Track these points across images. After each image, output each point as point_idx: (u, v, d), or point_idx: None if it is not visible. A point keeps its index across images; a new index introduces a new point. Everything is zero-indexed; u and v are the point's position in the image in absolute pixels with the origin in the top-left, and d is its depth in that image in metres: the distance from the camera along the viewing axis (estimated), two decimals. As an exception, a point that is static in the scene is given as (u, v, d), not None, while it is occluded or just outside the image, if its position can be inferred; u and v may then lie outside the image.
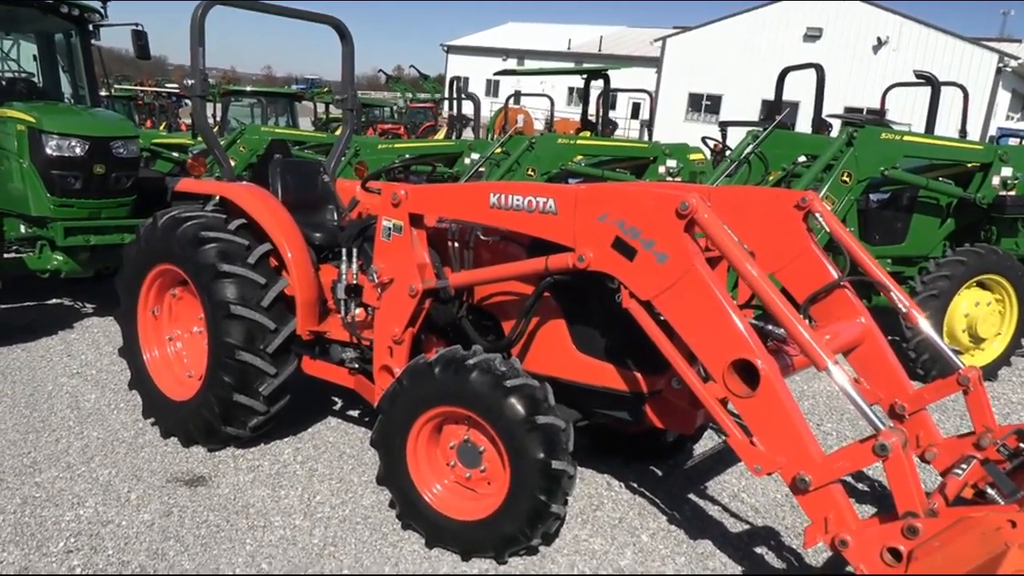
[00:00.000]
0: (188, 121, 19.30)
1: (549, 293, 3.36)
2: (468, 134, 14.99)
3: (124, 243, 5.96)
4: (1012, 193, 6.48)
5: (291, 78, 73.09)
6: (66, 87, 6.95)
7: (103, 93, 7.60)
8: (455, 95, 14.97)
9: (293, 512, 3.66)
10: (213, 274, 3.93)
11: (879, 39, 33.55)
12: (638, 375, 3.32)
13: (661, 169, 9.61)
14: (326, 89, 40.96)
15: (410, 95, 33.94)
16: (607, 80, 11.90)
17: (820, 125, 8.73)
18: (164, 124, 19.53)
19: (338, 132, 17.88)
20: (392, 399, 3.38)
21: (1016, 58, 31.88)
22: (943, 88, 8.13)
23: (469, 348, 3.31)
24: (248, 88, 19.13)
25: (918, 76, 8.23)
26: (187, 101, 21.75)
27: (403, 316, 3.63)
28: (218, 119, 16.34)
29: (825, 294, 3.46)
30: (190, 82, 4.30)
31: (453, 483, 3.40)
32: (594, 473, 4.14)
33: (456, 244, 3.74)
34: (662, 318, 2.95)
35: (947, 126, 8.46)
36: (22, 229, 6.09)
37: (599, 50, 44.46)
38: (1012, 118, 31.74)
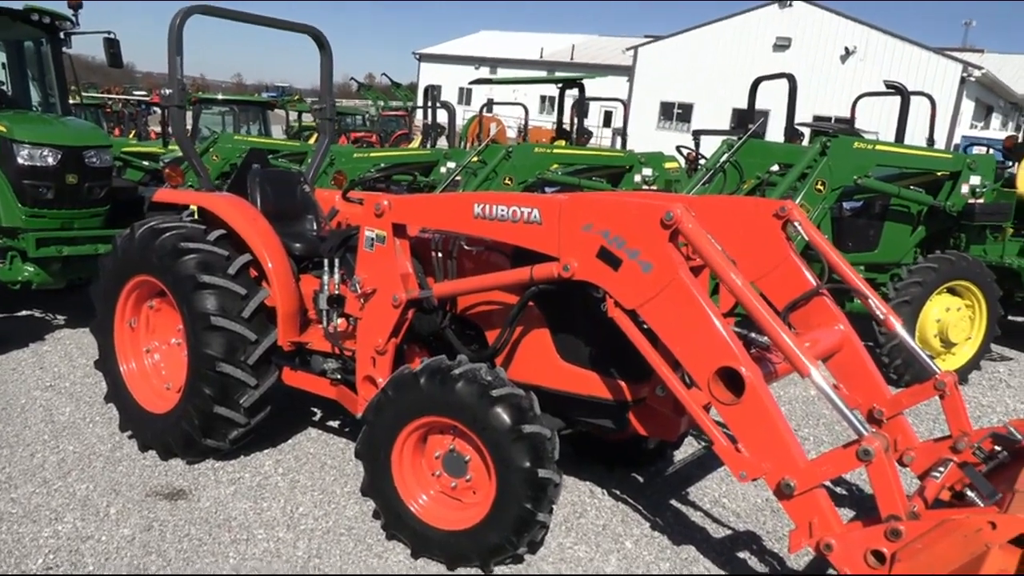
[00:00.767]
0: (158, 129, 19.08)
1: (533, 302, 3.38)
2: (442, 143, 14.97)
3: (97, 254, 5.90)
4: (981, 201, 6.63)
5: (261, 86, 72.53)
6: (36, 95, 6.84)
7: (73, 101, 7.50)
8: (430, 103, 14.97)
9: (276, 524, 3.63)
10: (193, 285, 3.89)
11: (847, 49, 34.14)
12: (622, 383, 3.34)
13: (637, 178, 9.69)
14: (297, 97, 40.74)
15: (382, 103, 33.87)
16: (582, 89, 11.98)
17: (792, 134, 8.86)
18: (133, 132, 19.25)
19: (311, 141, 17.85)
20: (377, 409, 3.37)
21: (979, 68, 32.59)
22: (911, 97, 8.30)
23: (453, 358, 3.32)
24: (220, 96, 18.95)
25: (888, 86, 8.39)
26: (156, 109, 21.43)
27: (386, 326, 3.62)
28: (189, 128, 16.18)
29: (804, 301, 3.52)
30: (167, 91, 4.26)
31: (438, 493, 3.40)
32: (577, 480, 4.16)
33: (439, 254, 3.74)
34: (646, 326, 2.98)
35: (913, 134, 8.61)
36: (-8, 240, 5.99)
37: (571, 58, 44.72)
38: (976, 126, 32.41)
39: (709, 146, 10.60)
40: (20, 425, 4.59)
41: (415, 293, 3.55)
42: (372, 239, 3.62)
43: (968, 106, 33.53)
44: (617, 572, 3.38)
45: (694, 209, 2.98)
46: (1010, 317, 7.04)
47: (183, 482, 3.98)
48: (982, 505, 2.68)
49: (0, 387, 5.16)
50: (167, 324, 4.39)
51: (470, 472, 3.28)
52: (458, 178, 9.39)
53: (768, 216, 3.61)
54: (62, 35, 6.66)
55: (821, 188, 6.20)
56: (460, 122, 16.08)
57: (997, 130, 32.76)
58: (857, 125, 11.12)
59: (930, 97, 10.24)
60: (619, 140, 14.41)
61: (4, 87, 6.84)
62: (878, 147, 6.57)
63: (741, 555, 3.56)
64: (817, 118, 27.93)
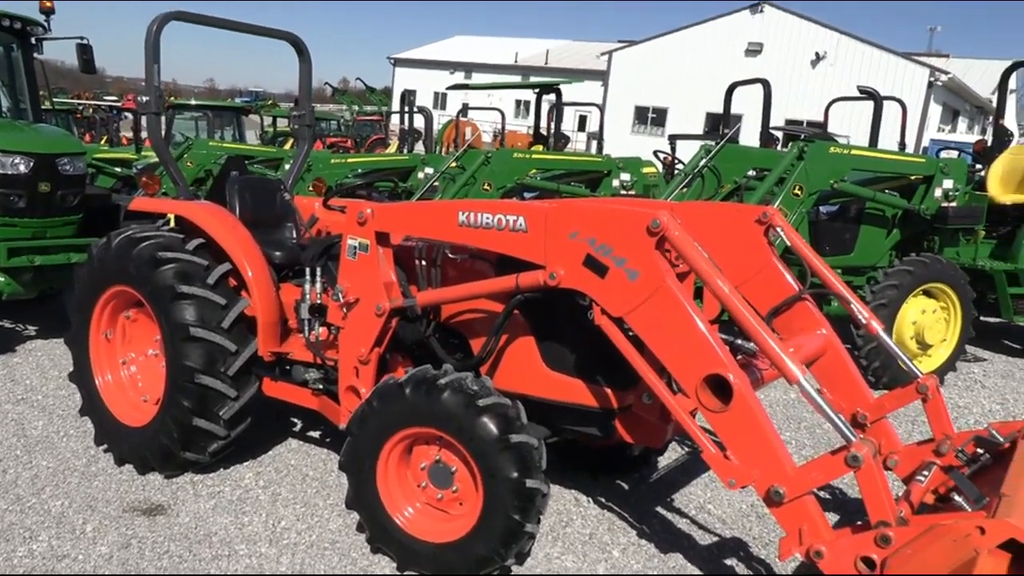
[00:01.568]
0: (129, 135, 18.82)
1: (518, 310, 3.36)
2: (419, 148, 14.92)
3: (70, 263, 5.79)
4: (954, 204, 6.73)
5: (234, 91, 71.96)
6: (6, 102, 6.71)
7: (44, 107, 7.36)
8: (406, 108, 14.92)
9: (258, 540, 3.57)
10: (171, 296, 3.82)
11: (817, 54, 34.57)
12: (608, 390, 3.33)
13: (615, 183, 9.72)
14: (271, 102, 40.42)
15: (356, 108, 33.70)
16: (559, 94, 12.01)
17: (767, 139, 8.95)
18: (105, 138, 18.97)
19: (287, 146, 17.69)
20: (361, 421, 3.33)
21: (946, 72, 33.15)
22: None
23: (437, 367, 3.29)
24: (193, 102, 18.73)
25: (861, 91, 8.50)
26: (127, 114, 21.05)
27: (369, 336, 3.58)
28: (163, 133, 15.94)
29: (787, 307, 3.53)
30: (144, 98, 4.19)
31: (424, 505, 3.36)
32: (561, 488, 4.14)
33: (423, 262, 3.71)
34: (632, 333, 2.97)
35: (883, 139, 8.76)
36: (-38, 250, 5.85)
37: (546, 63, 44.84)
38: (943, 130, 32.96)
39: (685, 151, 10.66)
40: (-8, 440, 4.48)
41: (399, 302, 3.52)
42: (355, 248, 3.58)
43: (936, 110, 34.09)
44: (605, 581, 3.37)
45: (678, 215, 2.98)
46: (983, 318, 7.13)
47: (161, 497, 3.90)
48: (969, 509, 2.70)
49: (-30, 401, 5.04)
50: (144, 335, 4.31)
51: (456, 483, 3.24)
52: (436, 184, 9.36)
53: (750, 222, 3.62)
54: (34, 40, 6.53)
55: (799, 192, 6.25)
56: (436, 127, 16.03)
57: (964, 133, 33.40)
58: (829, 129, 11.26)
59: (901, 102, 10.41)
60: (595, 145, 14.46)
61: (-27, 94, 6.70)
62: (854, 151, 6.65)
63: (728, 562, 3.56)
64: (789, 122, 28.28)
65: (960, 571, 2.18)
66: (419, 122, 14.69)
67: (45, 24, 6.42)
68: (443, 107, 40.16)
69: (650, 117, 39.52)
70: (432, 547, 3.22)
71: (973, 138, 17.49)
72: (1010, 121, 7.59)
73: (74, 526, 3.60)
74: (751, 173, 7.04)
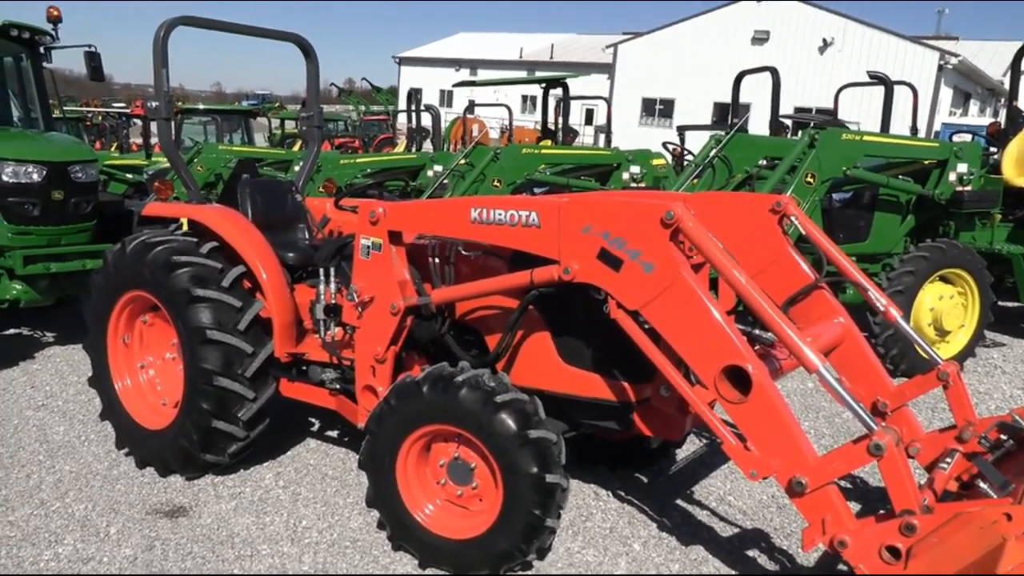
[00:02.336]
0: (139, 141, 18.89)
1: (533, 305, 3.35)
2: (427, 146, 14.93)
3: (85, 270, 5.83)
4: (968, 188, 6.66)
5: (241, 94, 72.20)
6: (17, 111, 6.75)
7: (55, 115, 7.40)
8: (413, 107, 14.92)
9: (280, 539, 3.58)
10: (187, 299, 3.84)
11: (824, 40, 34.31)
12: (625, 384, 3.32)
13: (625, 175, 9.69)
14: (278, 104, 40.49)
15: (363, 108, 33.72)
16: (566, 88, 11.96)
17: (777, 127, 8.89)
18: (115, 145, 19.06)
19: (295, 148, 17.74)
20: (379, 419, 3.34)
21: (956, 55, 32.83)
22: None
23: (453, 364, 3.29)
24: (201, 106, 18.81)
25: (872, 76, 8.43)
26: (136, 120, 21.14)
27: (385, 334, 3.59)
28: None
29: (804, 296, 3.51)
30: (154, 104, 4.20)
31: (444, 501, 3.36)
32: (581, 483, 4.13)
33: (436, 260, 3.70)
34: (648, 326, 2.96)
35: (895, 124, 8.69)
36: (-22, 259, 5.90)
37: (551, 58, 44.72)
38: (955, 114, 32.68)
39: (694, 141, 10.60)
40: (14, 446, 4.51)
41: (413, 300, 3.52)
42: (368, 247, 3.58)
43: (947, 94, 33.79)
44: (628, 574, 3.36)
45: (692, 207, 2.97)
46: (1001, 303, 7.07)
47: (183, 499, 3.93)
48: (995, 496, 2.67)
49: (-9, 408, 5.09)
50: (161, 339, 4.34)
51: (476, 479, 3.25)
52: (445, 181, 9.35)
53: (764, 211, 3.60)
54: (42, 50, 6.57)
55: (811, 180, 6.21)
56: (443, 125, 16.02)
57: (976, 117, 33.06)
58: (839, 116, 11.18)
59: (912, 86, 10.31)
60: (603, 138, 14.41)
61: (-16, 104, 6.75)
62: (866, 138, 6.60)
63: (750, 553, 3.54)
64: (798, 110, 28.10)
65: (987, 558, 2.16)
66: (426, 120, 14.70)
67: (53, 33, 6.46)
68: (449, 105, 40.12)
69: (657, 108, 39.35)
70: (453, 544, 3.23)
71: (986, 121, 17.34)
72: (1023, 102, 7.49)
73: (98, 529, 3.63)
74: (762, 162, 7.00)
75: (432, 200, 6.69)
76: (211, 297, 3.85)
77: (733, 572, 3.39)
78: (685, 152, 10.75)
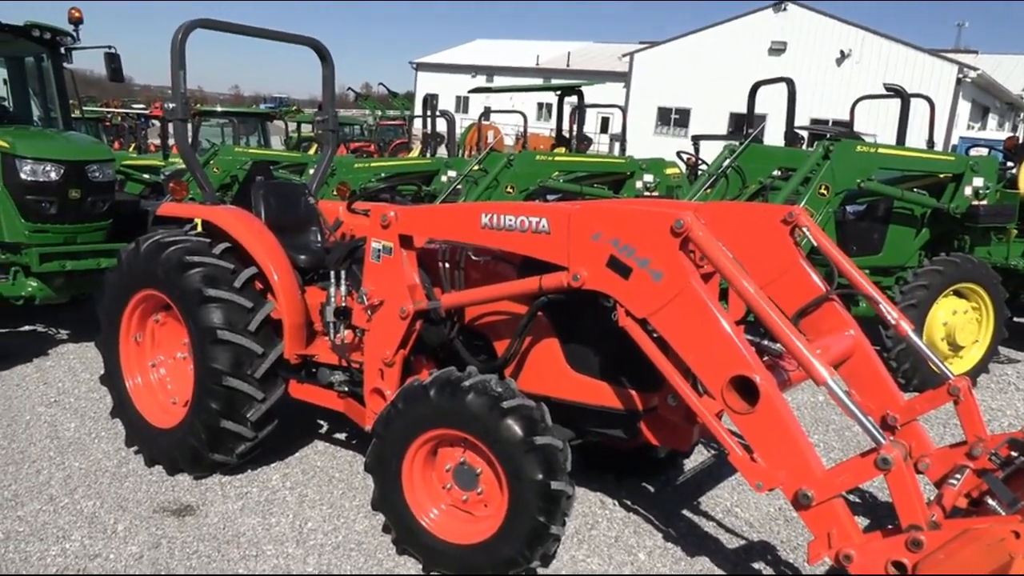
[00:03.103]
0: (157, 142, 19.05)
1: (542, 312, 3.36)
2: (442, 152, 14.97)
3: (100, 268, 5.88)
4: (984, 203, 6.61)
5: (259, 97, 72.65)
6: (37, 111, 6.83)
7: (74, 115, 7.48)
8: (429, 113, 14.97)
9: (285, 540, 3.59)
10: (199, 299, 3.87)
11: (842, 52, 34.20)
12: (633, 392, 3.31)
13: (638, 184, 9.67)
14: (295, 108, 40.71)
15: (379, 112, 33.88)
16: (581, 96, 11.97)
17: (792, 138, 8.85)
18: (133, 145, 19.23)
19: (311, 152, 17.83)
20: (386, 423, 3.34)
21: (975, 69, 32.64)
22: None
23: (461, 369, 3.29)
24: (219, 109, 18.95)
25: (888, 89, 8.39)
26: (155, 121, 21.32)
27: (394, 338, 3.60)
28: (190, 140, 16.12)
29: (814, 307, 3.49)
30: (171, 105, 4.24)
31: (450, 506, 3.36)
32: (587, 491, 4.12)
33: (446, 264, 3.72)
34: (656, 334, 2.96)
35: (911, 137, 8.63)
36: (-5, 255, 5.96)
37: (567, 66, 44.79)
38: (973, 127, 32.46)
39: (708, 151, 10.58)
40: (25, 442, 4.55)
41: (423, 304, 3.53)
42: (379, 250, 3.60)
43: (964, 107, 33.59)
44: (631, 584, 3.35)
45: (703, 216, 2.96)
46: (1016, 319, 7.01)
47: (190, 498, 3.95)
48: (1003, 513, 2.65)
49: (5, 403, 5.13)
50: (173, 338, 4.37)
51: (481, 485, 3.25)
52: (459, 187, 9.37)
53: (776, 222, 3.59)
54: (63, 50, 6.65)
55: (825, 192, 6.19)
56: (458, 130, 16.08)
57: (994, 131, 32.85)
58: (855, 128, 11.13)
59: (929, 99, 10.24)
60: (617, 146, 14.40)
61: (6, 103, 6.83)
62: (880, 150, 6.57)
63: (756, 565, 3.52)
64: (814, 121, 28.00)
65: None
66: (442, 126, 14.74)
67: (74, 34, 6.53)
68: (465, 111, 40.24)
69: (673, 118, 39.32)
70: (457, 548, 3.23)
71: (1004, 135, 17.20)
72: (1042, 118, 7.44)
73: (106, 526, 3.65)
74: (776, 173, 6.97)
75: (443, 205, 6.70)
76: (222, 297, 3.88)
77: (738, 584, 3.37)
78: (699, 162, 10.72)
